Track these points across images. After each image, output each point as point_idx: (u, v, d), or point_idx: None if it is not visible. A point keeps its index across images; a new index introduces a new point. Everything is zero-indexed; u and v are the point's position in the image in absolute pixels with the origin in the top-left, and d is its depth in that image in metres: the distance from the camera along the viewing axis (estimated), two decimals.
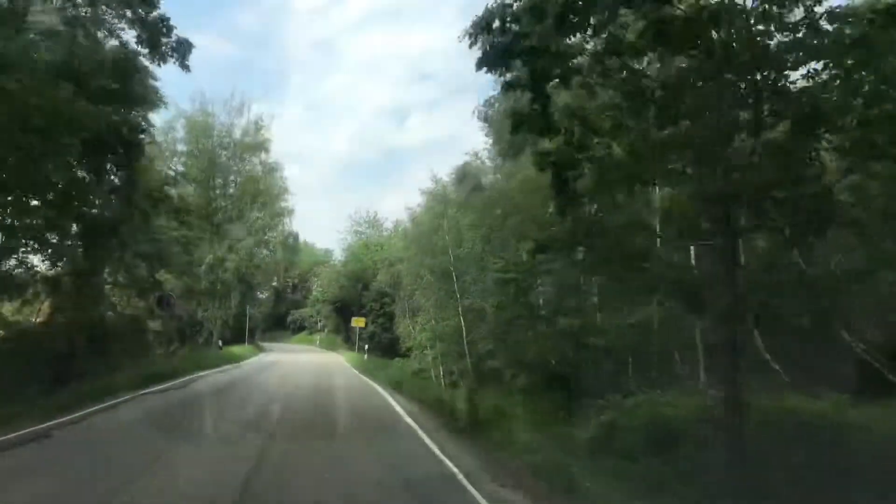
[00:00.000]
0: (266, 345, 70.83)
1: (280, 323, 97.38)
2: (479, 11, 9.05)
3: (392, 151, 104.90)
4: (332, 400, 21.89)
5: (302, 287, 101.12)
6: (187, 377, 24.87)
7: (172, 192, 26.16)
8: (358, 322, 50.45)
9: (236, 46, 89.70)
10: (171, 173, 33.55)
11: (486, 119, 26.85)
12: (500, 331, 22.57)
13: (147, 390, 19.50)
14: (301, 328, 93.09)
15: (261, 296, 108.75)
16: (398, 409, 19.25)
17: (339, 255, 70.08)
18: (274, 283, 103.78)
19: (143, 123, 21.43)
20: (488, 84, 73.36)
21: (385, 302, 59.10)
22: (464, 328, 28.08)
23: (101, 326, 22.28)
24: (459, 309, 28.25)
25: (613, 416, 11.56)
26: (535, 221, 17.80)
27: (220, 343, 46.94)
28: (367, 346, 49.29)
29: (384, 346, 58.26)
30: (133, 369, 21.51)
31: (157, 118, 24.13)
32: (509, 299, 21.42)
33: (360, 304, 60.96)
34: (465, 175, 28.51)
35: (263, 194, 47.91)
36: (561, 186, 9.97)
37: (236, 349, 40.58)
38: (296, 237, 49.00)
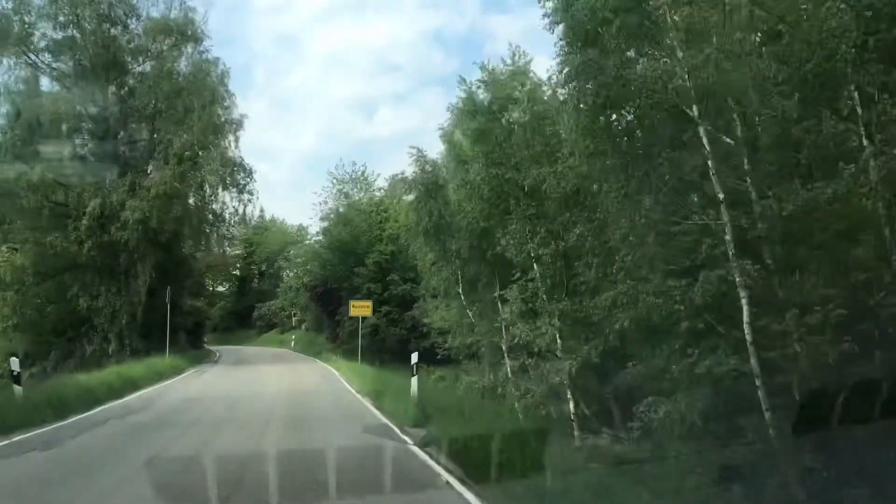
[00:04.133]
0: (220, 350, 50.44)
1: (245, 320, 76.65)
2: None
3: (362, 145, 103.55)
4: None
5: (270, 275, 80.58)
6: None
7: None
8: (360, 308, 30.81)
9: None
10: None
11: None
12: None
13: None
14: (270, 325, 72.53)
15: (221, 288, 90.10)
16: None
17: (316, 228, 49.97)
18: (236, 271, 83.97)
19: None
20: (453, 75, 74.53)
21: (393, 280, 39.39)
22: None
23: None
24: None
25: None
26: None
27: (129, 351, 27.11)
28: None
29: (392, 347, 38.65)
30: None
31: None
32: None
33: (353, 287, 41.11)
34: None
35: (186, 95, 27.61)
36: None
37: (137, 368, 20.89)
38: (251, 187, 29.96)
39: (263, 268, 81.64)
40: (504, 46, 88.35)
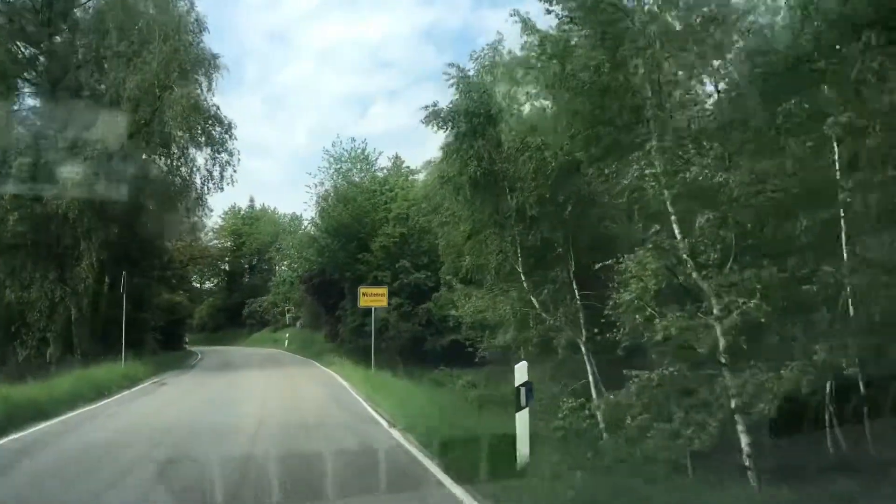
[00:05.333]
0: (204, 351, 44.16)
1: (235, 318, 70.19)
2: None
3: (356, 141, 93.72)
4: None
5: (262, 269, 74.22)
6: None
7: None
8: (372, 297, 24.50)
9: None
10: None
11: None
12: None
13: None
14: (262, 323, 66.11)
15: (210, 283, 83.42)
16: None
17: (312, 214, 43.16)
18: (224, 265, 77.38)
19: None
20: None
21: (403, 268, 33.14)
22: None
23: None
24: None
25: None
26: None
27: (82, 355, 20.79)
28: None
29: (403, 345, 32.65)
30: None
31: None
32: None
33: (356, 276, 34.84)
34: None
35: (144, 25, 21.02)
36: None
37: (62, 382, 14.51)
38: (231, 145, 23.45)
39: (254, 261, 75.18)
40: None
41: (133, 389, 17.48)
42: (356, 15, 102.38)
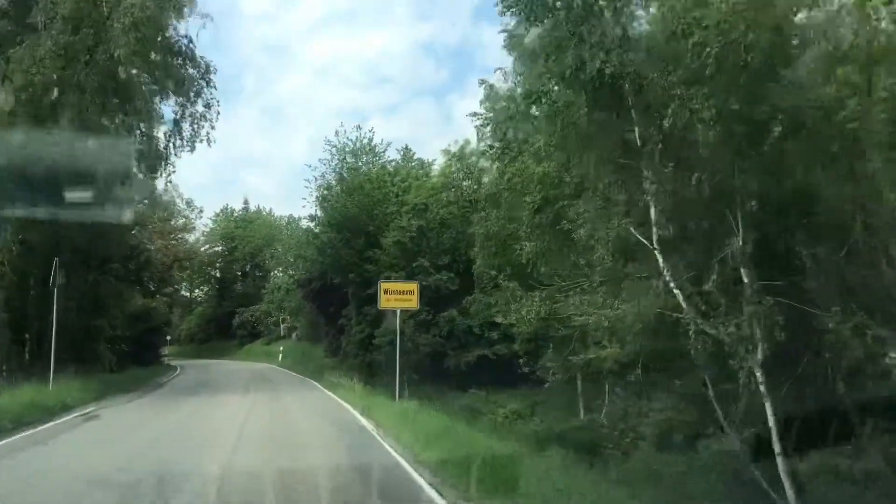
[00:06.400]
0: (186, 365, 38.27)
1: (226, 329, 64.08)
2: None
3: (361, 129, 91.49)
4: None
5: (256, 276, 68.34)
6: None
7: None
8: (398, 296, 18.01)
9: None
10: None
11: None
12: None
13: None
14: (254, 335, 59.96)
15: (200, 290, 76.72)
16: None
17: (311, 211, 36.47)
18: (215, 271, 71.13)
19: None
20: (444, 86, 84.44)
21: (421, 268, 27.17)
22: None
23: None
24: None
25: None
26: None
27: None
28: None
29: (420, 361, 26.95)
30: None
31: None
32: None
33: (364, 278, 28.98)
34: None
35: None
36: None
37: None
38: (208, 94, 17.88)
39: (247, 267, 69.02)
40: (495, 55, 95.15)
41: (39, 429, 11.48)
42: (354, 29, 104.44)
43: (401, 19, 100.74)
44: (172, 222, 48.99)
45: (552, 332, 14.65)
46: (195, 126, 18.74)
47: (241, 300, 63.00)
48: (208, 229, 67.86)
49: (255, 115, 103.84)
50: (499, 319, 15.93)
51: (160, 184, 21.35)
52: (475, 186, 30.42)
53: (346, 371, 27.82)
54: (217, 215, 69.63)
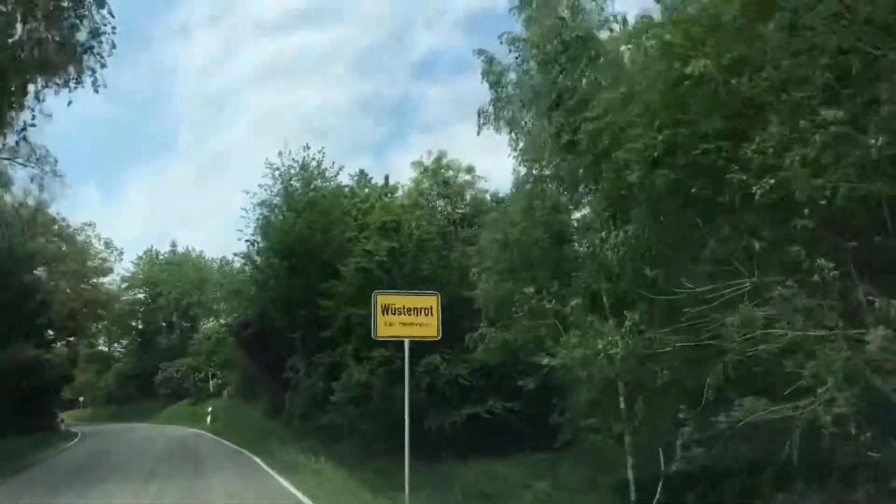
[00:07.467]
0: (89, 432, 30.81)
1: (149, 387, 55.27)
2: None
3: (309, 149, 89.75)
4: None
5: (181, 325, 60.63)
6: None
7: None
8: (414, 318, 11.28)
9: (117, 107, 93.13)
10: None
11: None
12: None
13: None
14: (180, 394, 51.51)
15: (118, 344, 66.78)
16: None
17: (244, 247, 29.27)
18: (137, 322, 62.60)
19: None
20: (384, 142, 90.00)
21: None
22: None
23: None
24: None
25: None
26: None
27: None
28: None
29: (393, 422, 20.63)
30: None
31: None
32: None
33: (315, 319, 22.94)
34: None
35: None
36: None
37: None
38: None
39: (173, 317, 60.95)
40: (436, 113, 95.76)
41: None
42: (292, 84, 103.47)
43: (340, 75, 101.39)
44: (89, 263, 41.88)
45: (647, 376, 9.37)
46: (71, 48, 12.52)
47: (165, 354, 54.74)
48: (129, 274, 59.94)
49: (190, 170, 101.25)
50: (544, 361, 10.31)
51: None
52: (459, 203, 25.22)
53: (296, 438, 21.43)
54: (140, 258, 61.82)
